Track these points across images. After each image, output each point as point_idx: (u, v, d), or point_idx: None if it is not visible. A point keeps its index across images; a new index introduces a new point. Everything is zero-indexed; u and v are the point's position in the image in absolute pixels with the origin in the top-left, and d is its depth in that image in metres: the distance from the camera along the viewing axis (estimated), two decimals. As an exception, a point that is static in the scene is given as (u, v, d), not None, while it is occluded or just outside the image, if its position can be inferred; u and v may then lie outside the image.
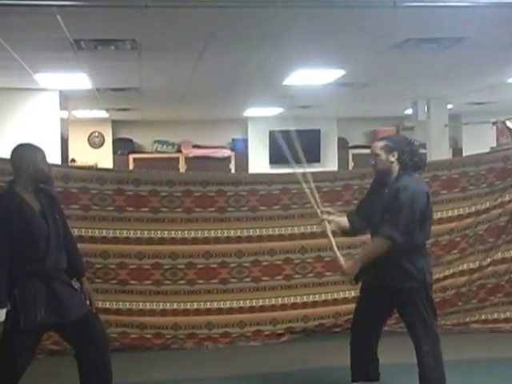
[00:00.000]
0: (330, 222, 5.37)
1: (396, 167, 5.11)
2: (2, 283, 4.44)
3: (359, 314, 5.38)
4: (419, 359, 5.16)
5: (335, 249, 5.20)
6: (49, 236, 4.60)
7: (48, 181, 4.81)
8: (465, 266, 7.61)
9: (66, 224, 4.89)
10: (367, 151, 15.79)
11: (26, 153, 4.71)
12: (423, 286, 5.10)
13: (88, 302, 4.85)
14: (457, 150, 15.49)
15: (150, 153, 15.43)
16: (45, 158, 4.74)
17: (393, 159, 5.09)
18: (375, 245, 5.07)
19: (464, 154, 15.18)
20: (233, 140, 15.92)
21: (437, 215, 7.48)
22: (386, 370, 5.44)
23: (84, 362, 4.72)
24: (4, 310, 4.44)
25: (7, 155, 4.90)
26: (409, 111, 13.04)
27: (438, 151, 11.78)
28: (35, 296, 4.50)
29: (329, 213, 5.46)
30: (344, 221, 5.39)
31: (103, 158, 14.80)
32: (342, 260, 5.16)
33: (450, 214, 7.57)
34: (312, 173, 5.85)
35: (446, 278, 7.57)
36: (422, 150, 5.41)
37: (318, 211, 5.42)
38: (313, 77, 9.42)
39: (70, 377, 4.81)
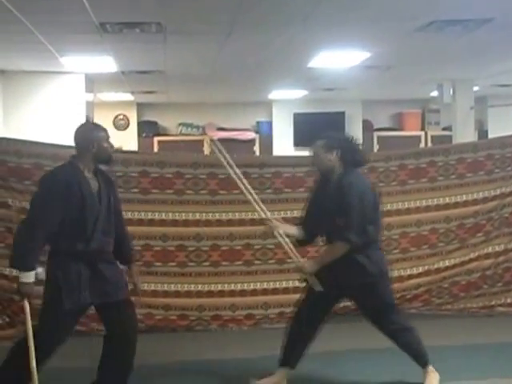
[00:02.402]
0: (275, 227, 5.34)
1: (337, 165, 5.11)
2: (34, 248, 4.50)
3: (307, 304, 5.31)
4: (399, 346, 5.24)
5: (290, 250, 5.27)
6: (97, 218, 4.62)
7: (109, 161, 4.83)
8: (490, 249, 7.59)
9: (119, 209, 4.93)
10: (392, 134, 15.82)
11: (91, 131, 4.74)
12: (381, 277, 5.14)
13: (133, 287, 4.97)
14: (482, 133, 15.37)
15: (175, 135, 15.46)
16: (108, 137, 4.76)
17: (332, 158, 5.09)
18: (335, 250, 5.07)
19: (489, 136, 15.08)
20: (257, 122, 15.90)
21: (462, 198, 7.52)
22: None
23: (110, 344, 4.78)
24: (32, 273, 4.51)
25: (35, 138, 4.96)
26: (434, 93, 12.96)
27: (463, 134, 11.71)
28: (79, 278, 4.55)
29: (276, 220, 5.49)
30: (292, 229, 5.37)
31: (128, 140, 14.84)
32: (300, 259, 5.23)
33: (475, 197, 7.55)
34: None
35: (471, 260, 7.56)
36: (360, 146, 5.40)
37: (263, 214, 5.43)
38: (338, 59, 9.39)
39: (96, 357, 4.85)
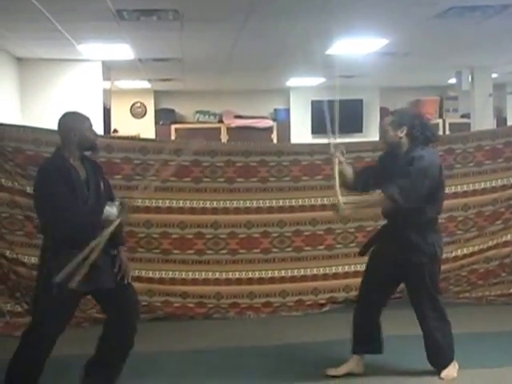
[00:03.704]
0: (340, 162, 5.35)
1: (406, 142, 5.10)
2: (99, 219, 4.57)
3: (366, 286, 5.35)
4: (426, 335, 5.22)
5: (337, 183, 5.20)
6: (87, 205, 4.65)
7: (94, 149, 4.87)
8: (509, 237, 7.56)
9: (111, 194, 4.96)
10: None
11: (72, 121, 4.79)
12: (432, 260, 5.12)
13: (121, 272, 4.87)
14: (501, 120, 15.27)
15: (192, 123, 15.44)
16: (91, 126, 4.81)
17: (401, 134, 5.09)
18: (376, 199, 5.10)
19: (508, 123, 14.99)
20: (275, 110, 15.86)
21: (480, 185, 7.49)
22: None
23: (108, 329, 4.83)
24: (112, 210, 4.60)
25: (52, 126, 4.96)
26: (452, 81, 12.88)
27: (482, 121, 11.63)
28: (72, 265, 4.50)
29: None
30: (350, 171, 5.38)
31: (145, 128, 14.85)
32: (340, 196, 5.12)
33: (493, 185, 7.51)
34: (354, 143, 5.84)
35: (489, 248, 7.54)
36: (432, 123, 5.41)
37: (332, 147, 5.41)
38: (356, 46, 9.34)
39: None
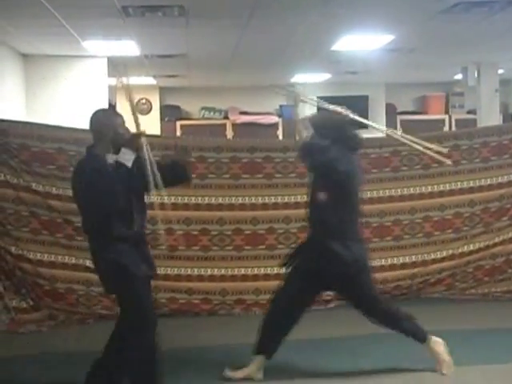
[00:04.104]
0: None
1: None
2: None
3: (285, 296, 5.23)
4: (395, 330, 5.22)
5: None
6: (131, 200, 4.63)
7: (124, 141, 4.72)
8: (515, 233, 7.55)
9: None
10: (416, 117, 15.71)
11: (105, 117, 4.76)
12: (357, 270, 5.06)
13: None
14: (507, 116, 15.23)
15: (197, 119, 15.44)
16: (124, 122, 4.74)
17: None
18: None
19: (515, 119, 14.96)
20: (280, 106, 15.84)
21: (486, 181, 7.48)
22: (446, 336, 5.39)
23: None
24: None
25: (57, 122, 4.96)
26: (458, 76, 12.84)
27: (488, 117, 11.59)
28: (131, 254, 4.60)
29: None
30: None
31: (151, 124, 14.81)
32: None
33: (499, 181, 7.50)
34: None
35: (495, 244, 7.53)
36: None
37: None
38: (361, 42, 9.32)
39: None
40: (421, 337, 5.22)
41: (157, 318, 4.72)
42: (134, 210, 4.65)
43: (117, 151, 4.66)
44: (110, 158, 4.61)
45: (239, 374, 5.19)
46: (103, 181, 4.50)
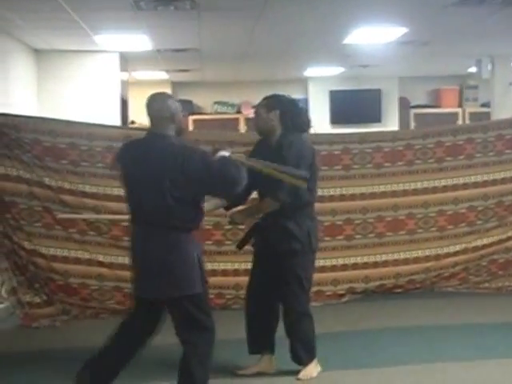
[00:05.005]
0: None
1: (278, 127, 5.00)
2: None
3: (252, 283, 5.21)
4: (289, 328, 5.07)
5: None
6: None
7: (182, 131, 4.66)
8: (529, 227, 7.50)
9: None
10: (429, 111, 15.62)
11: (164, 102, 4.48)
12: (305, 248, 4.99)
13: None
14: (521, 109, 15.14)
15: (210, 114, 15.42)
16: (181, 108, 4.56)
17: (274, 118, 4.99)
18: (263, 205, 5.02)
19: (529, 112, 14.85)
20: (292, 100, 15.82)
21: (500, 175, 7.45)
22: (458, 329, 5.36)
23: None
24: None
25: (69, 117, 4.95)
26: (472, 69, 12.78)
27: (502, 110, 11.51)
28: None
29: None
30: (212, 203, 5.01)
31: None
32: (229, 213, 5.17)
33: (514, 174, 7.46)
34: (373, 132, 5.78)
35: (509, 238, 7.50)
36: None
37: None
38: (374, 35, 9.28)
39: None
40: (310, 353, 5.09)
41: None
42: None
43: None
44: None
45: (251, 370, 5.17)
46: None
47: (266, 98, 5.17)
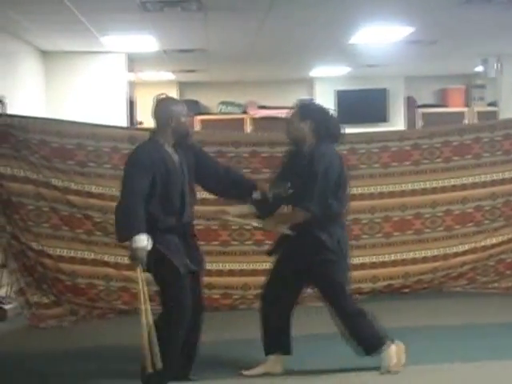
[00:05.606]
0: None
1: (310, 137, 4.99)
2: (138, 212, 4.59)
3: (274, 287, 5.19)
4: (345, 324, 5.09)
5: (237, 220, 5.41)
6: (183, 190, 4.75)
7: (187, 135, 4.89)
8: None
9: (209, 160, 5.15)
10: (436, 110, 15.58)
11: (169, 107, 4.81)
12: (339, 257, 5.00)
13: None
14: (529, 108, 15.11)
15: (216, 114, 15.43)
16: (185, 111, 4.83)
17: (305, 127, 4.98)
18: (293, 215, 5.04)
19: (536, 111, 14.82)
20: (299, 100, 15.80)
21: (510, 174, 7.41)
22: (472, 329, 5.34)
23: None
24: (144, 237, 4.58)
25: (77, 118, 4.96)
26: (479, 69, 12.73)
27: (509, 109, 11.48)
28: (178, 248, 4.71)
29: (223, 211, 5.42)
30: (245, 208, 5.22)
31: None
32: (254, 223, 5.32)
33: (523, 173, 7.45)
34: (380, 132, 5.77)
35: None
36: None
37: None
38: (380, 35, 9.26)
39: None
40: (377, 343, 5.08)
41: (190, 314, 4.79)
42: (184, 201, 4.74)
43: (178, 140, 4.78)
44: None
45: (257, 370, 5.16)
46: (140, 167, 4.65)
47: (298, 106, 5.17)
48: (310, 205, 4.86)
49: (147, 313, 4.60)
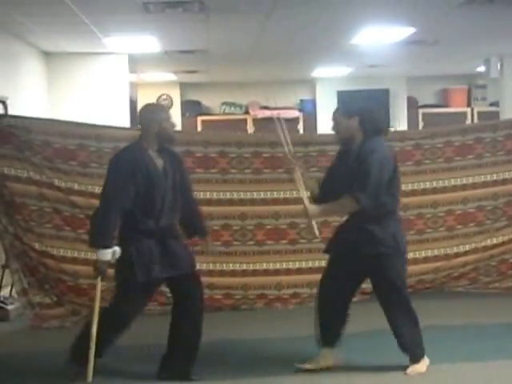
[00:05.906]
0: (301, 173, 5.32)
1: (359, 133, 4.99)
2: (110, 223, 4.70)
3: (331, 282, 5.18)
4: (394, 331, 5.10)
5: (304, 190, 5.19)
6: (165, 195, 4.82)
7: (171, 140, 4.99)
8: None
9: (188, 184, 5.15)
10: (438, 110, 15.57)
11: (153, 112, 4.96)
12: (395, 252, 4.99)
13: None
14: (530, 108, 15.10)
15: (218, 115, 15.44)
16: (169, 117, 4.97)
17: (353, 125, 4.98)
18: (341, 202, 4.98)
19: (538, 112, 14.82)
20: (301, 101, 15.81)
21: (510, 174, 7.44)
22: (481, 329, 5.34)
23: (179, 316, 5.00)
24: (110, 251, 4.70)
25: (79, 119, 4.99)
26: (481, 69, 12.75)
27: (511, 110, 11.50)
28: (151, 253, 4.77)
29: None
30: (314, 184, 5.28)
31: (172, 120, 14.82)
32: (307, 202, 5.13)
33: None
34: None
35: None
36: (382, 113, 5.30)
37: (289, 156, 5.39)
38: (382, 35, 9.26)
39: (143, 335, 4.91)
40: (418, 352, 5.12)
41: (123, 328, 4.97)
42: (163, 205, 4.81)
43: (162, 146, 4.89)
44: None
45: (313, 364, 5.19)
46: (121, 171, 4.76)
47: (340, 105, 5.21)
48: (360, 195, 4.83)
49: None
